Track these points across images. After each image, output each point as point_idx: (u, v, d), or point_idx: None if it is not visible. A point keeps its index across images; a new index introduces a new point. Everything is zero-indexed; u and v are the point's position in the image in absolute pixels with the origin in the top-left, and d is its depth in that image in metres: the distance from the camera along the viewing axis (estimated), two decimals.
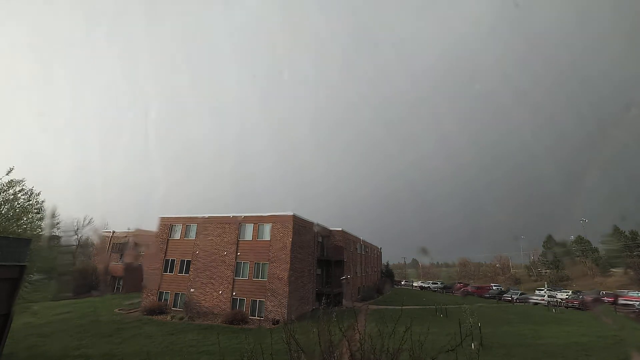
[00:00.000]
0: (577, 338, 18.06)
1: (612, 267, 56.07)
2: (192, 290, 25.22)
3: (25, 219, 13.98)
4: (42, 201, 14.99)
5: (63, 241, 32.94)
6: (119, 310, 25.16)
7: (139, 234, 41.17)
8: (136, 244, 40.79)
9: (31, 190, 14.61)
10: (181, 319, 22.52)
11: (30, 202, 14.40)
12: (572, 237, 60.11)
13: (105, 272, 37.77)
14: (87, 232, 44.05)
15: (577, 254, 59.97)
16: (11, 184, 13.71)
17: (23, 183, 14.51)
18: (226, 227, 26.51)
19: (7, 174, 13.32)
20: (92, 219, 43.32)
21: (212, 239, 26.47)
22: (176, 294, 26.03)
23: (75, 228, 40.99)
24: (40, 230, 15.05)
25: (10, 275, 4.78)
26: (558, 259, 60.79)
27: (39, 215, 14.69)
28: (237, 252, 25.38)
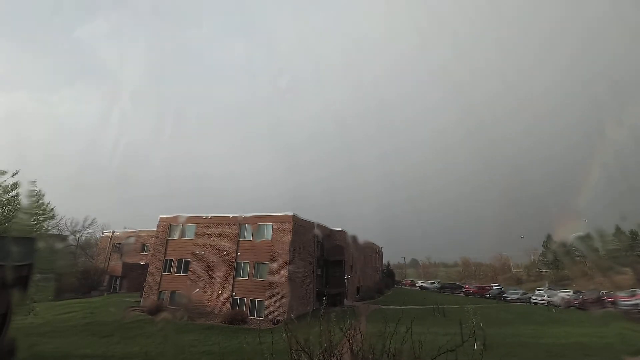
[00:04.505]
0: (577, 338, 18.07)
1: (617, 267, 55.87)
2: (197, 290, 25.24)
3: (30, 219, 13.99)
4: (48, 203, 15.03)
5: (62, 241, 32.98)
6: (125, 309, 25.11)
7: (139, 233, 41.22)
8: (136, 244, 40.83)
9: (39, 192, 14.62)
10: (181, 318, 22.54)
11: (39, 203, 14.41)
12: (581, 232, 58.73)
13: (105, 271, 37.79)
14: (88, 233, 44.17)
15: (578, 253, 59.85)
16: (15, 185, 13.71)
17: (33, 183, 14.50)
18: (226, 227, 26.54)
19: (12, 176, 13.29)
20: (94, 219, 43.46)
21: (213, 239, 26.51)
22: (177, 294, 26.07)
23: (73, 228, 41.04)
24: (43, 230, 15.08)
25: (17, 274, 4.82)
26: (558, 259, 60.75)
27: (43, 217, 14.71)
28: (237, 252, 25.42)
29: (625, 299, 31.97)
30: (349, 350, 4.83)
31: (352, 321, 5.16)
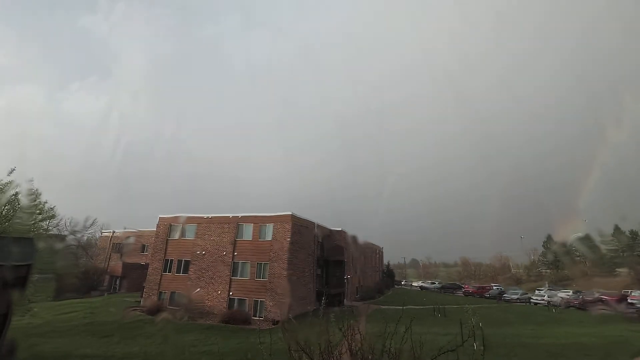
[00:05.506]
0: (577, 338, 18.05)
1: (617, 267, 55.88)
2: (198, 290, 25.21)
3: (29, 219, 13.96)
4: (46, 202, 14.99)
5: (62, 241, 32.96)
6: (125, 309, 25.11)
7: (139, 233, 41.21)
8: (136, 244, 40.82)
9: (36, 190, 14.58)
10: (181, 318, 22.52)
11: (35, 203, 14.37)
12: (580, 234, 58.29)
13: (105, 271, 37.77)
14: (89, 233, 44.12)
15: (578, 253, 59.80)
16: (12, 184, 13.68)
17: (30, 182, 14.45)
18: (226, 227, 26.51)
19: (8, 175, 13.28)
20: (95, 219, 43.40)
21: (213, 239, 26.47)
22: (177, 294, 26.04)
23: (72, 228, 40.96)
24: (42, 230, 15.05)
25: (17, 275, 4.82)
26: (558, 259, 60.67)
27: (41, 216, 14.67)
28: (234, 252, 25.37)
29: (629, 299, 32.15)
30: (348, 351, 4.82)
31: (352, 321, 5.15)
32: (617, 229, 57.52)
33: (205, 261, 26.02)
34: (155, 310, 23.77)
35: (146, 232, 38.47)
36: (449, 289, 51.63)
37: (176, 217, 28.57)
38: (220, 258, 25.63)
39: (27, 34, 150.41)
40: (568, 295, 38.58)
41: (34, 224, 14.28)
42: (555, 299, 37.17)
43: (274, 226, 25.13)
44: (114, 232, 43.25)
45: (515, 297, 40.89)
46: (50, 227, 18.17)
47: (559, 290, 43.72)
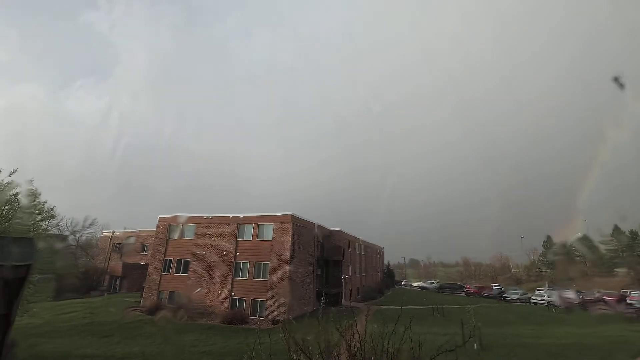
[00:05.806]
0: (577, 338, 18.05)
1: (615, 267, 55.88)
2: (198, 290, 25.17)
3: (28, 219, 13.94)
4: (45, 202, 14.96)
5: (62, 241, 32.96)
6: (125, 309, 25.10)
7: (139, 233, 41.18)
8: (136, 244, 40.79)
9: (35, 190, 14.55)
10: (181, 318, 22.51)
11: (35, 203, 14.34)
12: (579, 234, 58.07)
13: (105, 271, 37.74)
14: (89, 233, 44.09)
15: (578, 253, 59.78)
16: (12, 185, 13.66)
17: (30, 182, 14.42)
18: (226, 227, 26.49)
19: (9, 175, 13.24)
20: (95, 219, 43.35)
21: (214, 239, 26.45)
22: (176, 294, 26.03)
23: (72, 228, 40.94)
24: (42, 230, 15.03)
25: (17, 275, 4.81)
26: (558, 259, 60.62)
27: (40, 216, 14.65)
28: (236, 252, 25.37)
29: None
30: (346, 351, 4.82)
31: (350, 321, 5.15)
32: (616, 229, 57.54)
33: (206, 261, 26.00)
34: (155, 310, 23.76)
35: (146, 232, 38.43)
36: (448, 289, 51.64)
37: (176, 217, 28.53)
38: (220, 258, 25.62)
39: (28, 32, 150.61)
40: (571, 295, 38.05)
41: (33, 224, 14.24)
42: (555, 298, 36.93)
43: (274, 226, 25.13)
44: (114, 232, 43.21)
45: (515, 297, 40.84)
46: (50, 227, 18.14)
47: (562, 290, 42.99)
